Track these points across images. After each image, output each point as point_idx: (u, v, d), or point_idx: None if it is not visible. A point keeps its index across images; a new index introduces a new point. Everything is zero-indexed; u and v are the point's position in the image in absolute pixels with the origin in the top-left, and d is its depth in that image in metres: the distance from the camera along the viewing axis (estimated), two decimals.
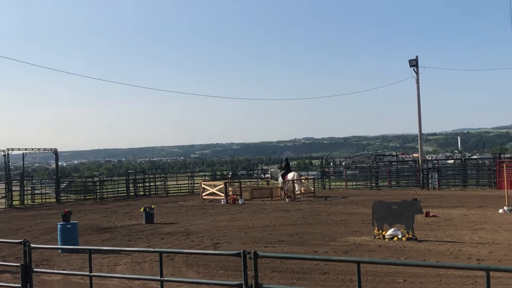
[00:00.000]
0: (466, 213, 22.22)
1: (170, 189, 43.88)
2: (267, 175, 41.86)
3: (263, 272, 11.27)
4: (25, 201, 37.78)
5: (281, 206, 28.27)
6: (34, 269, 6.52)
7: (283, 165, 36.16)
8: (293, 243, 16.08)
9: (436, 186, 39.05)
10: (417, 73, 42.39)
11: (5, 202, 35.93)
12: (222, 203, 31.25)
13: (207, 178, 48.31)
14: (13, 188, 37.42)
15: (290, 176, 33.87)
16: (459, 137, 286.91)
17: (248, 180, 45.43)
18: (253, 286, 5.14)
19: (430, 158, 56.60)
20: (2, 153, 36.48)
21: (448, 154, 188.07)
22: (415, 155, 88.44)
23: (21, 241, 6.36)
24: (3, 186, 37.36)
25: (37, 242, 17.04)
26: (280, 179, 34.35)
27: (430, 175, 39.87)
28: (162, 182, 44.21)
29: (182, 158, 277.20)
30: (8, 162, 37.21)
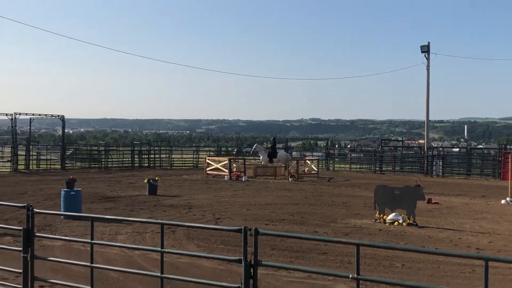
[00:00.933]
0: (468, 202, 22.23)
1: (174, 162, 44.00)
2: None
3: (262, 249, 11.35)
4: (30, 166, 37.99)
5: (284, 185, 28.34)
6: (36, 234, 6.58)
7: (269, 144, 36.10)
8: (294, 222, 16.15)
9: (440, 174, 39.03)
10: (428, 59, 42.17)
11: (10, 166, 36.13)
12: (226, 179, 31.33)
13: (212, 153, 48.41)
14: (19, 153, 37.61)
15: (282, 157, 33.87)
16: (466, 126, 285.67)
17: (252, 157, 45.48)
18: (252, 262, 5.18)
19: (435, 145, 56.50)
20: (10, 117, 36.59)
21: (454, 142, 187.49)
22: (421, 141, 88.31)
23: (25, 205, 6.41)
24: (9, 150, 37.55)
25: (40, 207, 17.17)
26: (262, 157, 34.19)
27: (434, 162, 39.84)
28: (167, 155, 44.34)
29: (188, 132, 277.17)
30: (15, 126, 37.34)
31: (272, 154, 33.93)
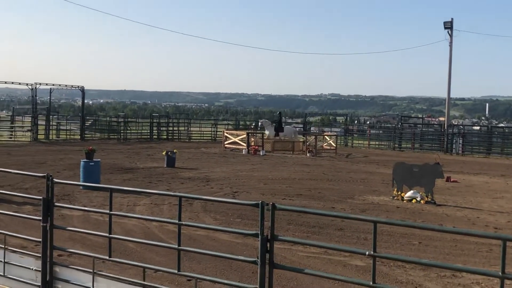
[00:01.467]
0: (487, 180, 22.07)
1: (193, 135, 44.13)
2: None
3: (279, 223, 11.38)
4: (50, 136, 38.31)
5: (302, 160, 28.32)
6: (55, 204, 6.63)
7: (275, 119, 36.20)
8: (311, 197, 16.16)
9: (460, 152, 38.74)
10: (451, 36, 41.64)
11: (30, 136, 36.48)
12: (244, 153, 31.37)
13: (230, 127, 48.42)
14: (39, 122, 37.93)
15: (288, 131, 34.10)
16: (487, 104, 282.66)
17: None
18: (269, 236, 5.18)
19: (456, 123, 56.02)
20: (30, 87, 36.84)
21: (475, 120, 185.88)
22: (441, 118, 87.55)
23: (44, 175, 6.45)
24: (29, 119, 37.89)
25: (59, 177, 17.32)
26: (267, 132, 34.24)
27: (454, 140, 39.51)
28: (186, 128, 44.47)
29: (206, 105, 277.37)
30: (35, 96, 37.62)
31: (278, 129, 34.03)
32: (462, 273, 8.51)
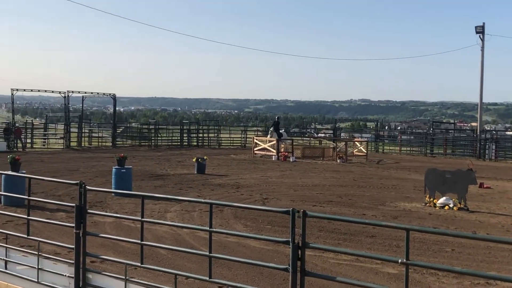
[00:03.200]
0: None
1: (222, 141, 44.28)
2: (320, 134, 41.66)
3: (310, 230, 11.32)
4: (82, 143, 38.81)
5: (331, 167, 28.19)
6: (88, 210, 6.71)
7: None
8: (341, 204, 16.07)
9: (493, 158, 38.15)
10: (482, 40, 41.13)
11: (63, 143, 37.02)
12: (273, 159, 31.36)
13: (260, 133, 48.46)
14: (71, 130, 38.48)
15: (269, 136, 34.20)
16: None
17: (300, 138, 45.33)
18: (300, 244, 5.16)
19: (488, 128, 55.26)
20: (63, 95, 37.40)
21: (508, 125, 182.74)
22: (473, 124, 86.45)
23: (77, 183, 6.53)
24: (62, 127, 38.45)
25: (92, 184, 17.54)
26: (269, 136, 34.47)
27: (487, 146, 38.92)
28: (215, 134, 44.63)
29: (236, 111, 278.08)
30: (68, 104, 38.17)
31: (277, 133, 34.30)
32: (496, 281, 8.36)
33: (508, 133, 60.67)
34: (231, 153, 36.36)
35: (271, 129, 34.99)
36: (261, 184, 20.14)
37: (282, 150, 32.42)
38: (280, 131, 34.60)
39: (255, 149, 34.00)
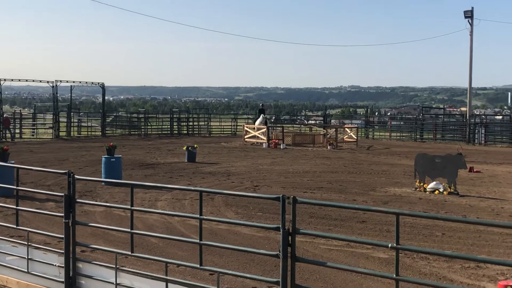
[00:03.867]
0: (511, 170, 21.79)
1: (213, 129, 44.20)
2: (310, 121, 41.68)
3: (300, 217, 11.34)
4: (72, 133, 38.63)
5: (322, 153, 28.22)
6: (77, 200, 6.67)
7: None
8: (332, 190, 16.09)
9: (483, 142, 38.29)
10: (471, 25, 41.11)
11: (52, 133, 36.83)
12: (264, 146, 31.35)
13: (250, 121, 48.42)
14: (60, 119, 38.27)
15: (257, 122, 34.20)
16: (509, 93, 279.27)
17: (291, 125, 45.31)
18: (291, 230, 5.16)
19: (478, 113, 55.50)
20: (51, 85, 37.15)
21: (497, 109, 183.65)
22: (462, 109, 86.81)
23: (66, 172, 6.49)
24: (50, 116, 38.24)
25: (81, 174, 17.47)
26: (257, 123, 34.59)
27: (477, 130, 39.08)
28: (206, 122, 44.56)
29: (226, 99, 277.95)
30: (57, 93, 37.94)
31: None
32: (487, 264, 8.41)
33: (497, 117, 60.98)
34: (221, 141, 36.30)
35: (260, 117, 34.77)
36: (251, 171, 20.13)
37: (273, 137, 32.41)
38: (260, 118, 34.44)
39: (245, 137, 33.96)
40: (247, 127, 35.18)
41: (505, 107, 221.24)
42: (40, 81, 38.50)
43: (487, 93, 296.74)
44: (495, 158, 26.76)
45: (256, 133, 33.33)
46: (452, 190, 15.41)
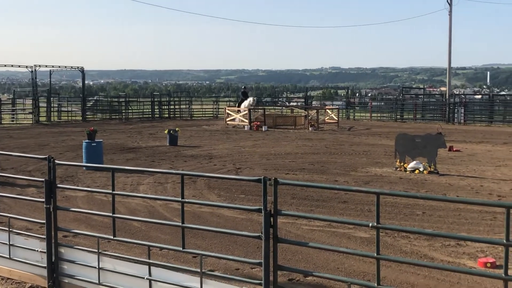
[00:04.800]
0: (490, 149, 22.05)
1: (194, 113, 44.08)
2: (291, 103, 41.66)
3: (283, 198, 11.40)
4: (52, 118, 38.29)
5: (304, 135, 28.30)
6: (58, 185, 6.64)
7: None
8: (314, 171, 16.17)
9: (462, 121, 38.65)
10: (450, 4, 41.23)
11: (32, 118, 36.49)
12: (246, 129, 31.36)
13: (232, 103, 48.34)
14: (40, 105, 37.90)
15: (245, 104, 33.86)
16: (488, 72, 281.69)
17: (272, 107, 45.30)
18: (272, 211, 5.19)
19: (457, 93, 55.88)
20: (30, 70, 36.74)
21: (476, 89, 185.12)
22: (442, 89, 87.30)
23: (46, 157, 6.45)
24: (30, 102, 37.84)
25: (62, 159, 17.37)
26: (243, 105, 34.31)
27: (456, 110, 39.42)
28: (187, 106, 44.41)
29: (207, 82, 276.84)
30: (36, 78, 37.53)
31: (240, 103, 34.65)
32: (467, 242, 8.53)
33: (476, 96, 61.46)
34: (203, 124, 36.23)
35: (250, 99, 34.67)
36: (234, 154, 20.15)
37: (254, 119, 32.41)
38: (251, 100, 34.41)
39: (227, 119, 33.93)
40: (228, 109, 35.13)
41: (484, 86, 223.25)
42: (19, 66, 38.03)
43: (466, 73, 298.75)
44: (474, 137, 27.03)
45: (239, 116, 33.31)
46: (432, 169, 15.56)
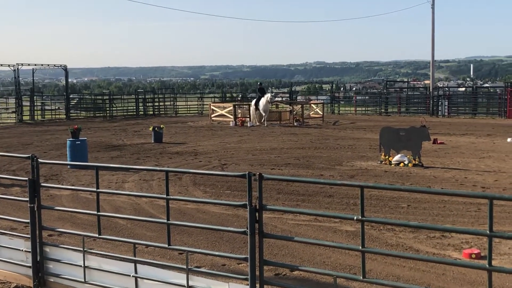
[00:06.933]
0: (474, 141, 22.21)
1: (179, 109, 43.95)
2: (276, 98, 41.54)
3: (268, 193, 11.41)
4: (35, 117, 38.01)
5: (289, 130, 28.33)
6: (42, 184, 6.59)
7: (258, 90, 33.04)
8: (299, 166, 16.19)
9: (446, 114, 38.90)
10: None
11: (15, 117, 36.21)
12: (231, 125, 31.33)
13: (217, 100, 48.26)
14: (23, 104, 37.60)
15: (263, 101, 30.71)
16: (472, 65, 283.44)
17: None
18: (257, 207, 5.19)
19: (441, 85, 56.18)
20: (12, 68, 36.43)
21: (460, 81, 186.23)
22: (426, 82, 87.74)
23: (29, 156, 6.41)
24: (13, 101, 37.54)
25: (46, 158, 17.26)
26: (252, 106, 31.80)
27: (440, 103, 39.65)
28: (172, 102, 44.27)
29: (192, 79, 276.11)
30: (18, 77, 37.23)
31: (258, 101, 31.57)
32: (452, 233, 8.59)
33: (460, 89, 61.78)
34: (188, 120, 36.15)
35: (268, 95, 31.07)
36: (219, 150, 20.13)
37: (240, 115, 32.37)
38: (268, 96, 31.00)
39: (212, 116, 33.88)
40: (213, 105, 35.08)
41: (467, 78, 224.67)
42: (1, 65, 37.66)
43: (450, 66, 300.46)
44: (458, 130, 27.21)
45: (223, 112, 33.27)
46: (416, 162, 15.64)
